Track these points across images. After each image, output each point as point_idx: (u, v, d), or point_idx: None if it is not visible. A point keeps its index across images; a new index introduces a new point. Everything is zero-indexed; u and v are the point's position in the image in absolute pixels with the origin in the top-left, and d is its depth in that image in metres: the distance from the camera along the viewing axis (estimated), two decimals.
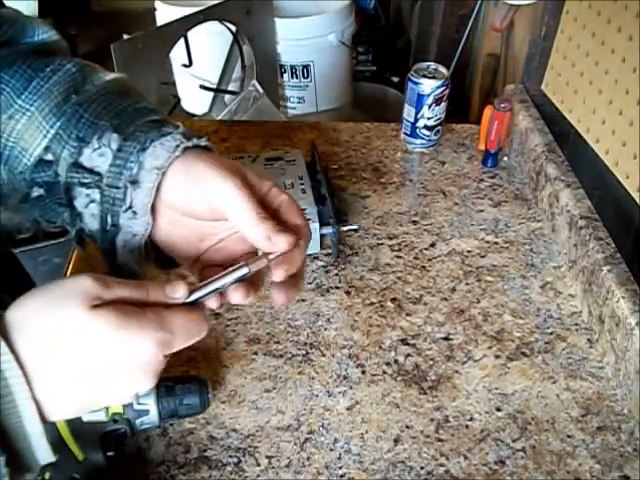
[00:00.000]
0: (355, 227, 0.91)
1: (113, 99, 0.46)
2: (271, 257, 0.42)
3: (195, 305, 0.40)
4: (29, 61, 0.46)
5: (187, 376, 0.66)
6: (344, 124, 1.13)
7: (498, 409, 0.68)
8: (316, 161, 0.96)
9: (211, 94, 1.96)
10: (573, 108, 0.89)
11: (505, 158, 1.05)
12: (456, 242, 0.89)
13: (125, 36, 1.51)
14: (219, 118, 1.76)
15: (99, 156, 0.43)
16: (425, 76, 1.01)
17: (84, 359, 0.36)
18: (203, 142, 0.45)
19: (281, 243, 0.41)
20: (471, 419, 0.67)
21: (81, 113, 0.44)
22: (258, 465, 0.63)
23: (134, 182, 0.43)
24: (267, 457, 0.64)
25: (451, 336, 0.76)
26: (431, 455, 0.64)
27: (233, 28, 1.79)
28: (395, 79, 2.22)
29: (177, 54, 1.85)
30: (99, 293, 0.37)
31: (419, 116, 1.03)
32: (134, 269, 0.46)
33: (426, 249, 0.88)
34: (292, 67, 1.92)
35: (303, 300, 0.80)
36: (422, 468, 0.63)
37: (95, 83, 0.46)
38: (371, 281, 0.83)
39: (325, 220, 0.85)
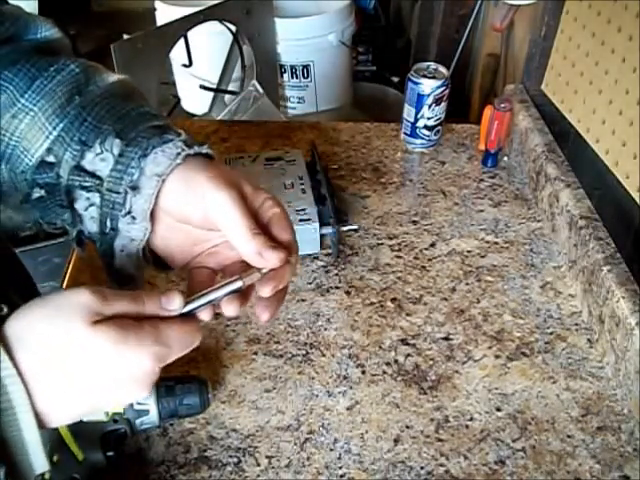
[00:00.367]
0: (355, 227, 0.91)
1: (116, 102, 0.46)
2: (264, 271, 0.42)
3: (189, 315, 0.41)
4: (33, 60, 0.45)
5: (187, 376, 0.66)
6: (344, 124, 1.13)
7: (498, 409, 0.68)
8: (316, 161, 0.96)
9: (211, 94, 1.96)
10: (573, 108, 0.89)
11: (505, 158, 1.05)
12: (456, 242, 0.89)
13: (125, 36, 1.51)
14: (219, 118, 1.76)
15: (101, 160, 0.43)
16: (425, 76, 1.01)
17: (84, 372, 0.37)
18: (205, 150, 0.45)
19: (272, 260, 0.42)
20: (471, 419, 0.67)
21: (84, 116, 0.44)
22: (258, 465, 0.63)
23: (134, 188, 0.43)
24: (267, 457, 0.64)
25: (451, 336, 0.76)
26: (431, 455, 0.64)
27: (233, 28, 1.79)
28: (395, 79, 2.22)
29: (177, 54, 1.85)
30: (99, 309, 0.37)
31: (419, 116, 1.03)
32: (132, 273, 0.46)
33: (426, 249, 0.88)
34: (292, 67, 1.92)
35: (303, 300, 0.80)
36: (422, 468, 0.63)
37: (99, 84, 0.46)
38: (371, 281, 0.83)
39: (325, 220, 0.86)
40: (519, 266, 0.85)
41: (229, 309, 0.42)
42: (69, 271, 0.82)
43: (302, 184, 0.90)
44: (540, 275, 0.84)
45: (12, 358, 0.35)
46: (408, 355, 0.74)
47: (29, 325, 0.37)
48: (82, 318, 0.36)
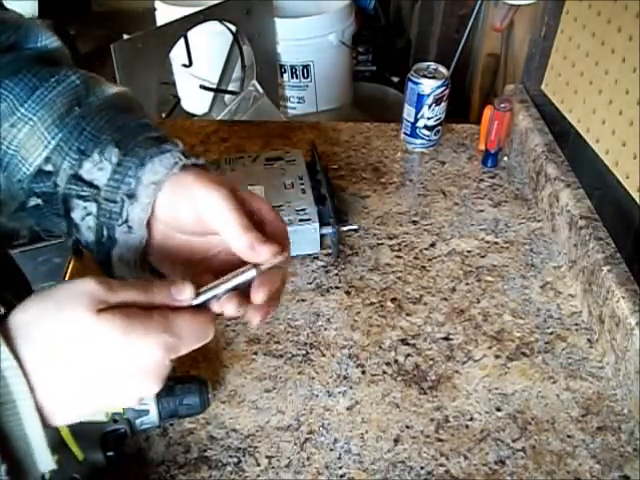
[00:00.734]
0: (355, 227, 0.91)
1: (116, 113, 0.46)
2: (263, 267, 0.41)
3: (202, 307, 0.40)
4: (34, 70, 0.46)
5: (187, 376, 0.66)
6: (344, 124, 1.13)
7: (498, 409, 0.68)
8: (316, 161, 0.96)
9: (211, 94, 1.96)
10: (573, 108, 0.89)
11: (505, 158, 1.05)
12: (456, 242, 0.89)
13: (125, 36, 1.51)
14: (219, 118, 1.76)
15: (99, 170, 0.44)
16: (425, 76, 1.01)
17: (88, 364, 0.36)
18: (201, 161, 0.45)
19: (264, 253, 0.41)
20: (471, 419, 0.67)
21: (83, 126, 0.45)
22: (258, 465, 0.63)
23: (131, 196, 0.43)
24: (267, 457, 0.64)
25: (451, 336, 0.76)
26: (431, 455, 0.64)
27: (233, 28, 1.79)
28: (395, 79, 2.22)
29: (177, 54, 1.85)
30: (104, 297, 0.36)
31: (419, 116, 1.03)
32: None
33: (426, 249, 0.88)
34: (292, 67, 1.92)
35: (303, 300, 0.80)
36: (422, 468, 0.63)
37: (98, 96, 0.47)
38: (371, 281, 0.83)
39: (325, 220, 0.86)
40: (519, 266, 0.85)
41: (228, 307, 0.41)
42: (69, 271, 0.82)
43: (302, 184, 0.90)
44: (540, 275, 0.84)
45: (13, 350, 0.34)
46: (408, 355, 0.74)
47: (32, 318, 0.36)
48: (86, 306, 0.35)
